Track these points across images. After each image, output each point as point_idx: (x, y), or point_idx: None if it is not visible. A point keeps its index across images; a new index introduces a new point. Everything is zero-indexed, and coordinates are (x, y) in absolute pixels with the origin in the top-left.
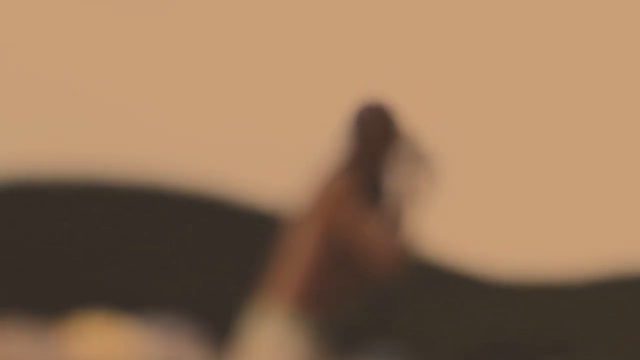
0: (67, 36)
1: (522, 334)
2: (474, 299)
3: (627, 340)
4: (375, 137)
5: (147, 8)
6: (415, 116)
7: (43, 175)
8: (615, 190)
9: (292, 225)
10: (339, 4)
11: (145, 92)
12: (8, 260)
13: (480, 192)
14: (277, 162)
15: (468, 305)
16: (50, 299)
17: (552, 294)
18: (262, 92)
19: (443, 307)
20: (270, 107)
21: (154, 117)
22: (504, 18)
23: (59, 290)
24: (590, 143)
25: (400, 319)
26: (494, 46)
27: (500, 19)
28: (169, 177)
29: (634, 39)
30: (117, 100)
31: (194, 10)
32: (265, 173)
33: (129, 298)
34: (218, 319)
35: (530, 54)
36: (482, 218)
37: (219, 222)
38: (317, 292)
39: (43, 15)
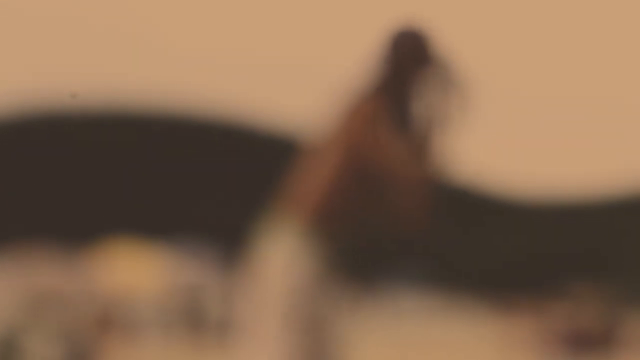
0: None
1: (546, 255)
2: (498, 221)
3: None
4: (407, 61)
5: None
6: (449, 42)
7: (62, 105)
8: (633, 111)
9: (314, 145)
10: None
11: (155, 8)
12: (34, 188)
13: (504, 115)
14: (301, 82)
15: (492, 227)
16: (77, 227)
17: (576, 214)
18: (290, 6)
19: (468, 229)
20: (296, 24)
21: (167, 39)
22: None
23: (85, 218)
24: (614, 62)
25: (424, 242)
26: None
27: None
28: (189, 102)
29: None
30: (120, 20)
31: None
32: (288, 94)
33: (153, 224)
34: (241, 244)
35: None
36: (507, 141)
37: (240, 146)
38: (336, 208)
39: None
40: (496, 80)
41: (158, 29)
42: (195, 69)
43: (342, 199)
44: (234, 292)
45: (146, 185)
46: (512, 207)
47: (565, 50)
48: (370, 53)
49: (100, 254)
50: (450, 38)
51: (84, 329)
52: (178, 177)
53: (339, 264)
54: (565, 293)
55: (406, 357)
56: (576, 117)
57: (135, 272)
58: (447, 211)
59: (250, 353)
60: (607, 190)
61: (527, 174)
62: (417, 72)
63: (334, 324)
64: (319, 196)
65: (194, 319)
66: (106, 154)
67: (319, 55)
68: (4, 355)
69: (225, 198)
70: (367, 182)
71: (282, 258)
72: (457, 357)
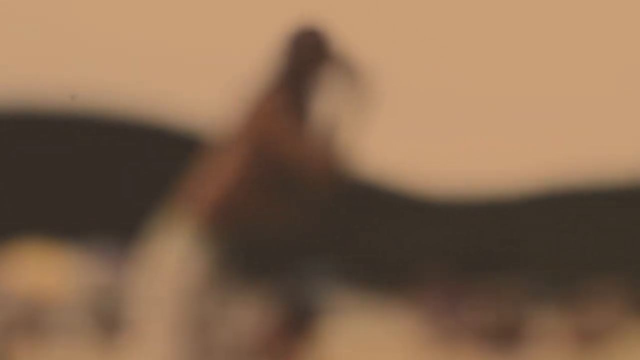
0: None
1: (459, 251)
2: (409, 216)
3: (563, 254)
4: (307, 58)
5: None
6: (348, 38)
7: None
8: (548, 105)
9: (218, 143)
10: None
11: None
12: None
13: (413, 110)
14: (204, 78)
15: (402, 223)
16: None
17: (487, 211)
18: (191, 2)
19: (377, 225)
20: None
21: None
22: None
23: None
24: (524, 56)
25: (334, 238)
26: None
27: None
28: (90, 100)
29: None
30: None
31: None
32: (190, 90)
33: (61, 225)
34: (142, 242)
35: None
36: (417, 136)
37: (148, 143)
38: (238, 205)
39: None
40: (409, 76)
41: (54, 21)
42: (95, 64)
43: (245, 196)
44: (134, 291)
45: (52, 186)
46: (424, 203)
47: (475, 45)
48: (272, 50)
49: (8, 256)
50: (354, 34)
51: None
52: (83, 176)
53: (236, 262)
54: (477, 288)
55: (320, 353)
56: (487, 113)
57: (44, 274)
58: (358, 208)
59: (140, 353)
60: (518, 187)
61: (439, 171)
62: (318, 69)
63: (225, 323)
64: (219, 193)
65: (104, 319)
66: (10, 155)
67: (220, 51)
68: None
69: (132, 197)
70: (271, 178)
71: (174, 257)
72: (369, 352)
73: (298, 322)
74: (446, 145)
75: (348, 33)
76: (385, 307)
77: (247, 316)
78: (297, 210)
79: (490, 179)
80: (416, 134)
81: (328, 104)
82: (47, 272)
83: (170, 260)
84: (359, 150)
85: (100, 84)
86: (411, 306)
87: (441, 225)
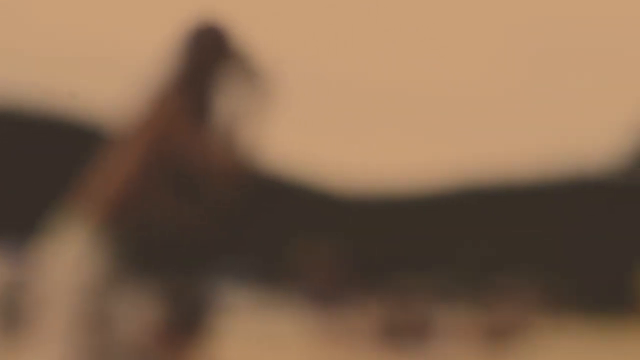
0: None
1: (367, 248)
2: (316, 213)
3: (473, 250)
4: (207, 55)
5: None
6: (249, 34)
7: None
8: (459, 101)
9: (118, 140)
10: None
11: None
12: None
13: (324, 106)
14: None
15: (309, 220)
16: None
17: (398, 206)
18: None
19: (282, 222)
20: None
21: None
22: None
23: None
24: (437, 52)
25: (245, 236)
26: None
27: None
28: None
29: None
30: None
31: None
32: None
33: None
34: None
35: None
36: (328, 132)
37: (48, 139)
38: (136, 203)
39: None
40: (321, 72)
41: None
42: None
43: (144, 194)
44: (33, 290)
45: None
46: (333, 200)
47: (386, 39)
48: (172, 47)
49: None
50: (255, 31)
51: None
52: None
53: (134, 261)
54: (387, 286)
55: (230, 352)
56: (399, 109)
57: None
58: (264, 205)
59: (39, 352)
60: (428, 184)
61: (349, 167)
62: (219, 67)
63: (123, 321)
64: (118, 191)
65: (6, 318)
66: None
67: (120, 47)
68: None
69: (35, 193)
70: (171, 177)
71: (71, 255)
72: (266, 350)
73: (190, 319)
74: (358, 141)
75: (249, 29)
76: (284, 305)
77: (143, 314)
78: (198, 209)
79: (400, 175)
80: (327, 130)
81: (230, 101)
82: None
83: (68, 258)
84: (263, 148)
85: (3, 76)
86: (311, 304)
87: (350, 222)
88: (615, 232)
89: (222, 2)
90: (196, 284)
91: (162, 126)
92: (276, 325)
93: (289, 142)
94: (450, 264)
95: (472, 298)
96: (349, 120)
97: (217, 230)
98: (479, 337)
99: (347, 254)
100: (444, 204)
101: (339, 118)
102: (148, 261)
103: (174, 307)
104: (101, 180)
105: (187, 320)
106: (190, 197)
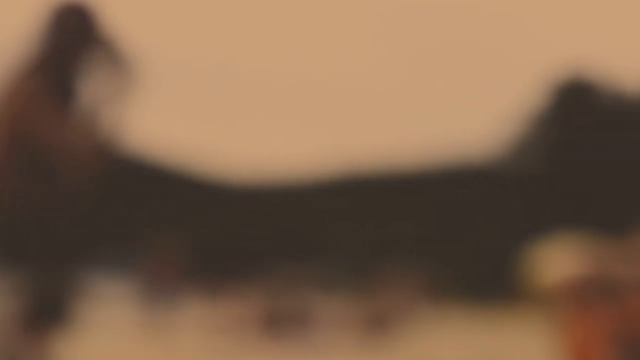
0: None
1: (247, 237)
2: (190, 201)
3: (355, 239)
4: (70, 38)
5: None
6: (115, 17)
7: None
8: (341, 90)
9: None
10: None
11: None
12: None
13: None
14: None
15: (183, 207)
16: None
17: (280, 195)
18: None
19: (148, 210)
20: None
21: None
22: None
23: None
24: (315, 39)
25: (119, 224)
26: None
27: None
28: None
29: None
30: None
31: None
32: None
33: None
34: None
35: None
36: (206, 119)
37: None
38: None
39: None
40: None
41: None
42: None
43: (1, 179)
44: None
45: None
46: (211, 187)
47: (268, 27)
48: (35, 26)
49: None
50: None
51: None
52: None
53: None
54: (266, 275)
55: (112, 344)
56: (280, 96)
57: None
58: (132, 191)
59: None
60: (310, 173)
61: (230, 155)
62: (81, 49)
63: None
64: None
65: None
66: None
67: None
68: None
69: None
70: (29, 161)
71: None
72: (158, 342)
73: (54, 309)
74: (237, 128)
75: (117, 11)
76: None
77: (7, 304)
78: (53, 190)
79: (280, 164)
80: (205, 117)
81: (93, 84)
82: None
83: None
84: (126, 132)
85: None
86: (202, 294)
87: (228, 211)
88: (497, 220)
89: None
90: (60, 274)
91: (20, 109)
92: (159, 316)
93: (163, 130)
94: (332, 252)
95: (355, 286)
96: (229, 108)
97: (73, 213)
98: (361, 324)
99: (197, 244)
100: (325, 192)
101: (217, 105)
102: (10, 250)
103: (37, 297)
104: None
105: (50, 310)
106: (45, 178)
